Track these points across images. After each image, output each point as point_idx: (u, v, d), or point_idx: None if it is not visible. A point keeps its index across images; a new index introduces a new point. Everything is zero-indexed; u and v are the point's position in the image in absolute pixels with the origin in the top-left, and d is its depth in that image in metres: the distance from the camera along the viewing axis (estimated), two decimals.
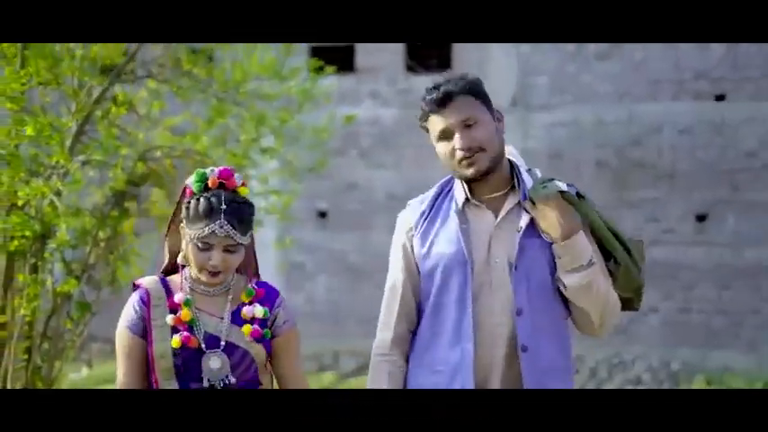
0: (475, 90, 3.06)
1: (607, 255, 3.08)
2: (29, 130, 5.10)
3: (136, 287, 3.06)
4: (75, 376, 10.30)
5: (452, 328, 3.05)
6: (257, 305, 3.02)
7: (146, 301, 3.00)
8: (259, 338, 3.00)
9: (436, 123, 3.06)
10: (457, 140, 3.02)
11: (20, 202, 5.28)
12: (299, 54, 9.17)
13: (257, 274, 3.16)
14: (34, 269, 5.80)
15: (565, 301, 3.08)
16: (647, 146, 11.02)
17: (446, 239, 3.08)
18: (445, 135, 3.05)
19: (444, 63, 11.83)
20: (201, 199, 2.95)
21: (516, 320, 2.99)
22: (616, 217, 8.81)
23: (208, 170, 2.99)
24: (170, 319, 2.97)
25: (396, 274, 3.18)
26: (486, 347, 3.01)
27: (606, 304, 3.04)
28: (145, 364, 2.99)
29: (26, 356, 5.94)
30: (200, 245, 2.92)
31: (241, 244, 2.98)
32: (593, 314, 3.04)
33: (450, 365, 3.04)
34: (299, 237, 10.86)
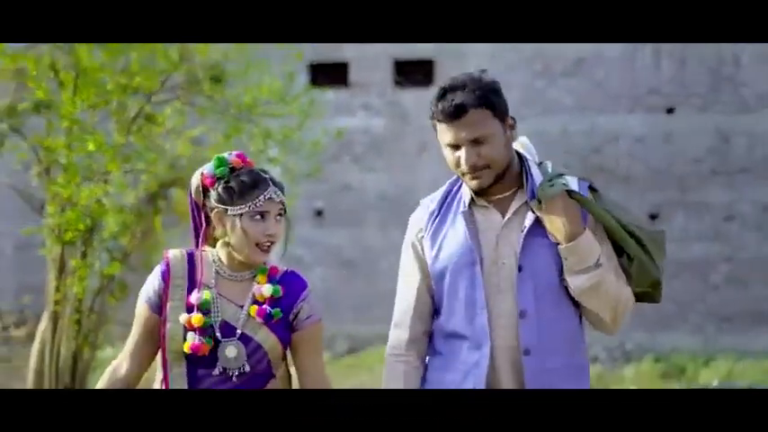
0: (490, 102, 2.87)
1: (620, 251, 2.92)
2: (90, 146, 6.26)
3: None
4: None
5: (466, 331, 2.93)
6: (268, 285, 2.89)
7: (165, 279, 2.88)
8: (265, 318, 2.88)
9: (445, 133, 2.90)
10: (463, 156, 2.87)
11: (83, 202, 6.39)
12: (300, 72, 9.87)
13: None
14: (83, 255, 6.86)
15: (575, 302, 2.93)
16: (606, 153, 11.54)
17: (454, 241, 2.95)
18: (452, 146, 2.90)
19: (428, 79, 12.33)
20: (240, 175, 2.86)
21: (519, 323, 2.87)
22: None
23: (225, 155, 2.91)
24: (183, 318, 2.84)
25: (409, 275, 3.05)
26: (496, 350, 2.89)
27: (617, 303, 2.89)
28: (157, 340, 2.89)
29: (77, 327, 7.01)
30: (256, 216, 2.83)
31: (285, 213, 2.91)
32: (604, 313, 2.90)
33: (466, 367, 2.92)
34: (299, 233, 10.44)
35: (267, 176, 2.86)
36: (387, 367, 3.03)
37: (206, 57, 6.89)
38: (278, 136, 7.25)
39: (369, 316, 11.93)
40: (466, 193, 2.96)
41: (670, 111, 11.76)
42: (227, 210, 2.82)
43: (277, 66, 7.74)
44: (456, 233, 2.94)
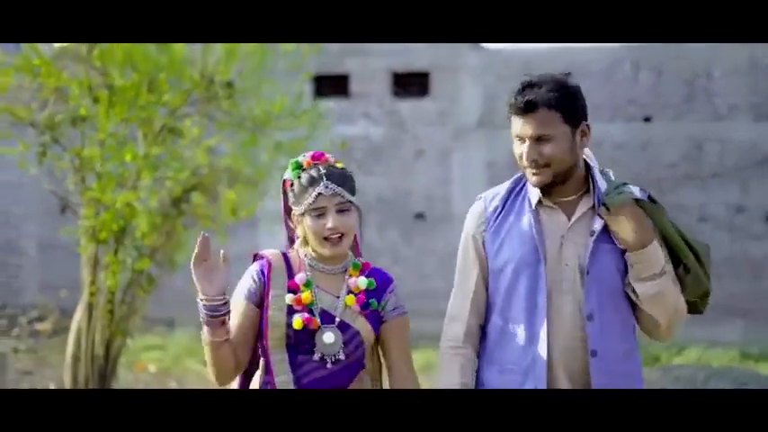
0: (560, 104, 2.85)
1: (676, 261, 2.91)
2: (127, 156, 7.02)
3: (255, 258, 3.01)
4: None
5: (524, 327, 2.90)
6: (362, 277, 2.94)
7: (266, 273, 2.92)
8: (363, 306, 2.92)
9: (514, 124, 2.91)
10: (525, 150, 2.88)
11: (117, 205, 7.08)
12: (306, 89, 10.46)
13: (360, 255, 3.07)
14: (116, 252, 7.55)
15: (632, 306, 2.92)
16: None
17: (518, 238, 2.93)
18: (519, 138, 2.91)
19: (423, 90, 12.63)
20: (302, 175, 2.94)
21: (587, 325, 2.85)
22: None
23: (300, 157, 2.99)
24: (289, 298, 2.88)
25: (467, 268, 3.03)
26: (555, 350, 2.87)
27: (675, 311, 2.89)
28: (256, 331, 2.90)
29: (110, 317, 7.69)
30: (314, 213, 2.88)
31: (351, 203, 2.92)
32: (662, 320, 2.89)
33: (522, 365, 2.89)
34: None
35: (323, 172, 2.90)
36: (444, 360, 3.00)
37: (225, 77, 7.59)
38: (287, 147, 7.83)
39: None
40: (533, 193, 2.96)
41: (647, 120, 12.04)
42: (295, 211, 2.94)
43: (286, 83, 8.28)
44: (521, 231, 2.93)
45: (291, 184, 2.95)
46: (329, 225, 2.87)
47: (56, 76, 7.24)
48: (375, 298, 2.94)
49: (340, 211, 2.89)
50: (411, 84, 12.80)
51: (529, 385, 2.87)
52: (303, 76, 8.17)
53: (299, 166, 2.95)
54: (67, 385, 7.93)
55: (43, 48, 7.36)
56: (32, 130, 7.62)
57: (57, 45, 7.33)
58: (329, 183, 2.88)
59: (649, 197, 2.93)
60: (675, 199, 11.88)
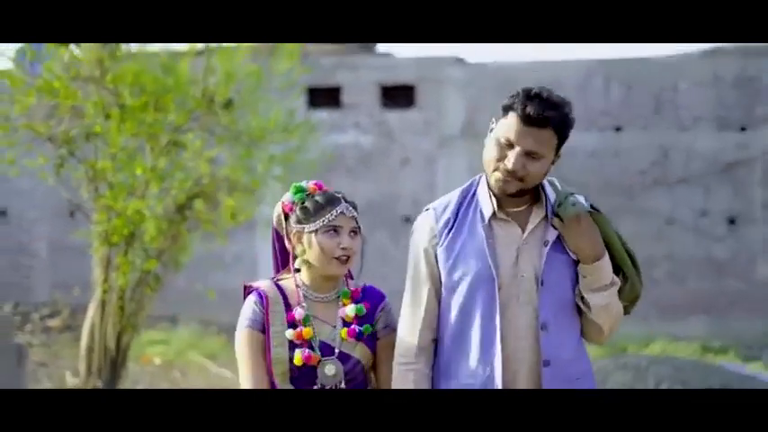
0: (562, 130, 2.77)
1: (615, 268, 2.85)
2: (138, 170, 7.73)
3: (248, 290, 2.95)
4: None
5: (479, 342, 2.81)
6: (351, 305, 2.88)
7: (264, 304, 2.87)
8: (357, 336, 2.87)
9: (510, 128, 2.76)
10: (511, 159, 2.75)
11: (128, 212, 7.80)
12: (299, 107, 11.08)
13: (351, 277, 2.99)
14: (125, 254, 8.14)
15: (579, 313, 2.86)
16: (564, 166, 11.55)
17: (473, 253, 2.82)
18: (507, 143, 2.77)
19: (410, 101, 13.08)
20: (315, 196, 2.90)
21: (541, 335, 2.78)
22: None
23: (302, 183, 2.95)
24: (290, 333, 2.84)
25: (419, 282, 2.90)
26: (511, 362, 2.80)
27: (618, 317, 2.87)
28: (267, 361, 2.85)
29: (120, 312, 8.28)
30: (330, 231, 2.84)
31: (360, 228, 2.90)
32: (605, 327, 2.85)
33: (477, 380, 2.82)
34: None
35: (340, 195, 2.90)
36: (397, 376, 2.89)
37: (224, 97, 8.30)
38: (280, 158, 8.46)
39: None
40: (486, 205, 2.84)
41: (618, 129, 12.49)
42: (304, 228, 2.87)
43: (280, 99, 8.85)
44: (475, 246, 2.82)
45: (301, 204, 2.90)
46: (343, 245, 2.85)
47: (73, 97, 7.91)
48: (368, 322, 2.91)
49: (351, 233, 2.88)
50: (398, 96, 13.28)
51: None
52: (295, 96, 8.77)
53: (303, 191, 2.92)
54: (82, 374, 8.63)
55: (61, 70, 8.07)
56: (50, 145, 8.24)
57: (73, 67, 8.04)
58: (348, 205, 2.89)
59: (592, 206, 2.85)
60: (645, 203, 12.32)
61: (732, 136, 12.50)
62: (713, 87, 12.50)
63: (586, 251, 2.76)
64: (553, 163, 2.80)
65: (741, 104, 12.48)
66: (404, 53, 14.22)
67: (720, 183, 12.46)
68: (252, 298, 2.91)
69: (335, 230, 2.85)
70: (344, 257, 2.86)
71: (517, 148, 2.74)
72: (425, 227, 2.91)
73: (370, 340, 2.92)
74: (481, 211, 2.85)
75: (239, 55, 8.44)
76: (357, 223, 2.90)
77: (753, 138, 12.50)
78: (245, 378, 2.86)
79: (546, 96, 2.75)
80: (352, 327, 2.88)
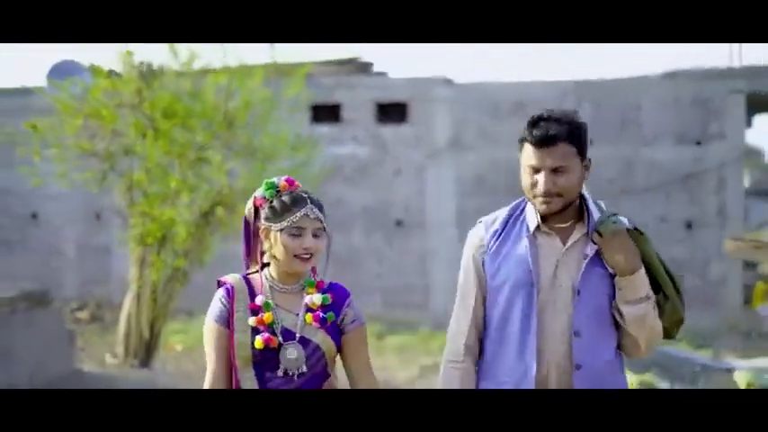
0: (576, 137, 2.86)
1: (656, 288, 2.93)
2: (172, 183, 9.06)
3: (220, 285, 2.96)
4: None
5: (517, 342, 2.91)
6: (317, 294, 2.91)
7: (230, 295, 2.90)
8: (321, 322, 2.88)
9: (530, 155, 2.86)
10: (541, 181, 2.84)
11: (163, 218, 9.13)
12: (305, 113, 12.17)
13: (316, 274, 3.01)
14: (158, 253, 9.52)
15: (617, 326, 2.93)
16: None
17: (516, 260, 2.93)
18: (534, 169, 2.86)
19: (402, 117, 13.80)
20: (284, 196, 2.88)
21: (573, 341, 2.87)
22: None
23: (274, 179, 2.94)
24: (252, 320, 2.85)
25: (467, 287, 3.02)
26: (546, 365, 2.89)
27: (654, 333, 2.92)
28: (231, 353, 2.89)
29: (153, 303, 9.63)
30: (293, 231, 2.81)
31: (324, 230, 2.88)
32: (642, 341, 2.92)
33: (513, 378, 2.91)
34: None
35: (306, 196, 2.89)
36: (444, 373, 3.02)
37: (243, 121, 9.61)
38: (289, 172, 9.17)
39: (355, 301, 12.99)
40: (531, 219, 2.95)
41: (590, 143, 13.45)
42: (271, 226, 2.87)
43: (288, 119, 10.04)
44: (517, 254, 2.93)
45: (270, 202, 2.90)
46: (305, 245, 2.86)
47: (115, 120, 9.27)
48: (332, 311, 2.93)
49: (315, 235, 2.88)
50: (392, 112, 14.05)
51: None
52: (301, 119, 10.00)
53: (274, 187, 2.92)
54: (121, 355, 9.93)
55: (105, 97, 9.39)
56: (95, 160, 9.55)
57: (116, 96, 9.35)
58: (313, 206, 2.88)
59: (636, 228, 2.95)
60: (614, 210, 13.29)
61: (689, 150, 13.30)
62: (673, 107, 13.28)
63: (621, 264, 2.85)
64: (587, 168, 2.95)
65: (697, 122, 13.11)
66: (398, 74, 15.29)
67: (679, 192, 13.23)
68: (219, 292, 2.94)
69: (299, 231, 2.86)
70: (306, 256, 2.87)
71: (543, 171, 2.86)
72: (475, 237, 3.05)
73: (335, 332, 2.93)
74: (527, 225, 2.97)
75: (255, 80, 9.71)
76: (322, 223, 2.89)
77: (707, 152, 13.28)
78: (208, 371, 2.93)
79: (547, 116, 2.90)
80: (317, 312, 2.90)
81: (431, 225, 14.13)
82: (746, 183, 31.73)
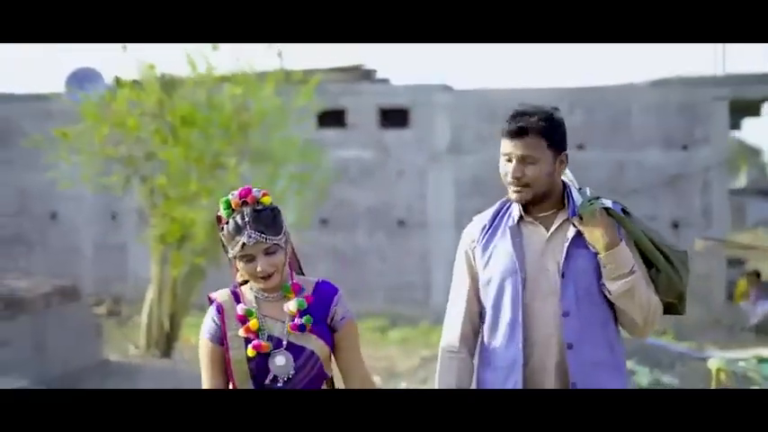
0: (547, 132, 2.94)
1: (649, 264, 2.98)
2: (192, 187, 9.73)
3: (211, 301, 2.93)
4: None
5: (508, 327, 2.99)
6: (293, 300, 2.87)
7: (221, 313, 2.88)
8: (300, 329, 2.85)
9: (504, 145, 2.99)
10: (511, 169, 2.95)
11: (184, 219, 9.81)
12: (312, 119, 12.75)
13: (302, 272, 3.01)
14: (178, 251, 10.20)
15: (611, 306, 2.97)
16: None
17: (502, 252, 3.03)
18: (507, 158, 2.98)
19: (404, 122, 14.29)
20: (230, 221, 2.81)
21: (563, 321, 2.93)
22: None
23: (229, 196, 2.87)
24: (241, 331, 2.84)
25: (460, 281, 3.11)
26: (540, 347, 2.96)
27: (648, 307, 2.94)
28: (225, 368, 2.89)
29: (174, 298, 10.29)
30: (244, 258, 2.78)
31: (277, 244, 2.81)
32: (637, 316, 2.95)
33: (506, 362, 3.00)
34: (309, 236, 12.69)
35: (247, 220, 2.78)
36: (441, 363, 3.09)
37: (257, 128, 10.27)
38: (298, 176, 10.32)
39: (358, 296, 12.85)
40: (515, 211, 3.05)
41: (581, 147, 13.43)
42: (227, 251, 2.86)
43: (297, 126, 10.62)
44: (504, 245, 3.03)
45: (221, 230, 2.88)
46: (259, 269, 2.80)
47: (139, 128, 9.95)
48: (320, 311, 2.90)
49: (268, 254, 2.81)
50: (395, 117, 14.52)
51: (510, 380, 2.98)
52: (311, 127, 10.61)
53: (228, 206, 2.85)
54: (142, 346, 10.57)
55: (129, 106, 10.06)
56: (119, 165, 10.22)
57: (139, 106, 10.02)
58: (252, 232, 2.79)
59: (623, 209, 3.04)
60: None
61: (676, 154, 13.80)
62: (660, 112, 13.80)
63: (600, 240, 2.91)
64: (562, 163, 3.01)
65: (683, 127, 13.73)
66: (400, 81, 15.88)
67: (666, 193, 13.73)
68: (211, 310, 2.91)
69: (249, 257, 2.81)
70: (264, 276, 2.83)
71: (513, 159, 2.97)
72: (467, 233, 3.16)
73: (326, 332, 2.91)
74: (512, 216, 3.08)
75: (267, 89, 10.35)
76: (268, 241, 2.80)
77: (693, 155, 13.79)
78: (204, 386, 2.93)
79: (522, 111, 2.99)
80: (295, 321, 2.86)
81: (431, 225, 14.63)
82: (744, 182, 32.11)
